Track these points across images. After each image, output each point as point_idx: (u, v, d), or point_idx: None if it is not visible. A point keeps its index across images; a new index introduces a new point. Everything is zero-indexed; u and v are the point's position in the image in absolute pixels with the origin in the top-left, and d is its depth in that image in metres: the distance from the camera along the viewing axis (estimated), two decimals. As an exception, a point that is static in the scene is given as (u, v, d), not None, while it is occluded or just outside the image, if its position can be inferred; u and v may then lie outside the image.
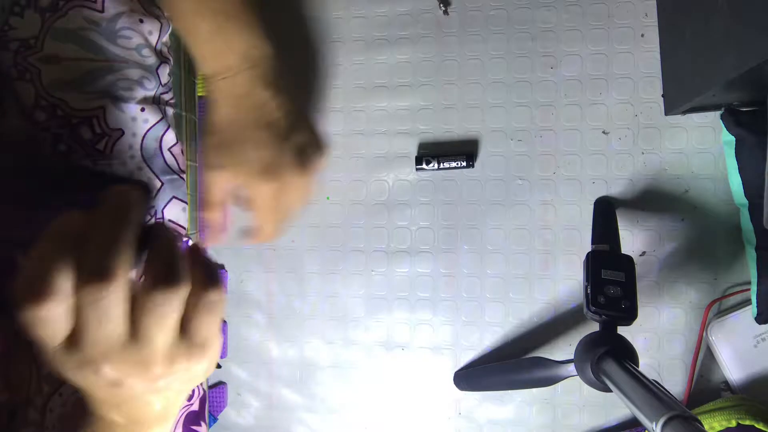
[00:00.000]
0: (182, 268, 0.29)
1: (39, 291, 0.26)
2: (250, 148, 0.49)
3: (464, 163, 0.72)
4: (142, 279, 0.29)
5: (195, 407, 0.53)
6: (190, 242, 0.54)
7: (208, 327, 0.30)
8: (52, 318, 0.27)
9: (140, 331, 0.28)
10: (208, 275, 0.31)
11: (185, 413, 0.52)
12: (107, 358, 0.28)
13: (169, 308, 0.29)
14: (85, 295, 0.27)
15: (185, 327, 0.30)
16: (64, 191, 0.32)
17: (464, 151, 0.73)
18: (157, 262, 0.29)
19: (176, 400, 0.35)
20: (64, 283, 0.27)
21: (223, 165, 0.49)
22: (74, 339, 0.28)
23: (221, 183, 0.51)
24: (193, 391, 0.55)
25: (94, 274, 0.27)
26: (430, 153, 0.75)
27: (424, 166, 0.73)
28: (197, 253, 0.32)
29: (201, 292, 0.30)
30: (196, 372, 0.32)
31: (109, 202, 0.30)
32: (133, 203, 0.30)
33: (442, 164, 0.73)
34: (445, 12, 0.76)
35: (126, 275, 0.28)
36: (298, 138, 0.50)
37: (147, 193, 0.31)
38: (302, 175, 0.50)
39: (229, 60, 0.46)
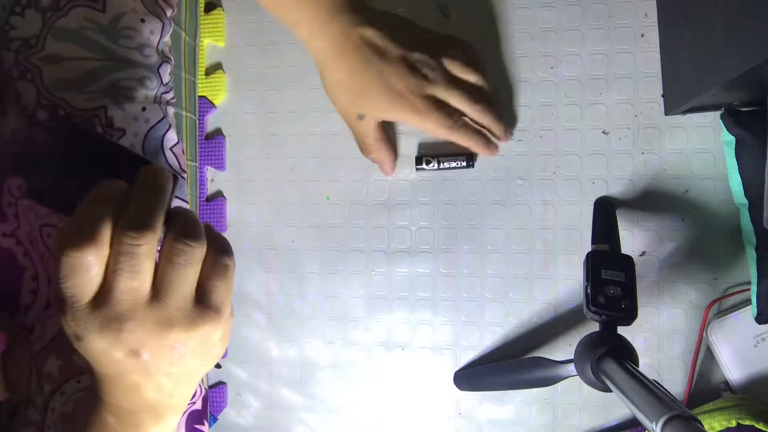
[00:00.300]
0: (201, 230, 0.32)
1: (81, 236, 0.29)
2: (375, 87, 0.59)
3: (464, 163, 0.73)
4: (165, 236, 0.32)
5: (198, 406, 0.54)
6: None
7: (222, 291, 0.33)
8: (87, 266, 0.29)
9: (163, 286, 0.31)
10: (221, 243, 0.34)
11: (189, 412, 0.52)
12: (132, 315, 0.30)
13: (190, 260, 0.31)
14: (121, 244, 0.30)
15: (201, 290, 0.33)
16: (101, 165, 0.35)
17: (464, 151, 0.73)
18: (180, 220, 0.32)
19: (187, 385, 0.36)
20: (104, 233, 0.30)
21: (364, 112, 0.61)
22: (102, 294, 0.30)
23: (369, 128, 0.64)
24: (196, 390, 0.55)
25: (130, 226, 0.30)
26: (430, 153, 0.75)
27: (424, 166, 0.73)
28: (209, 229, 0.35)
29: (215, 257, 0.33)
30: (212, 339, 0.33)
31: (147, 176, 0.33)
32: (166, 180, 0.33)
33: (442, 164, 0.73)
34: (446, 15, 0.76)
35: (158, 234, 0.31)
36: (398, 50, 0.60)
37: (175, 177, 0.35)
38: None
39: (309, 20, 0.56)
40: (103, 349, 0.31)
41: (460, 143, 0.67)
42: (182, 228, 0.32)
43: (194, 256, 0.31)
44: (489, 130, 0.68)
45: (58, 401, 0.43)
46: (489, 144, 0.69)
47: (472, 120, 0.66)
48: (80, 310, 0.30)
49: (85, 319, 0.30)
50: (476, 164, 0.75)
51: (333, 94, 0.63)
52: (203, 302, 0.33)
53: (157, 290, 0.31)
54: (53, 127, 0.43)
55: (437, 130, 0.63)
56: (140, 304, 0.30)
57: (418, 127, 0.66)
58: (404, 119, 0.62)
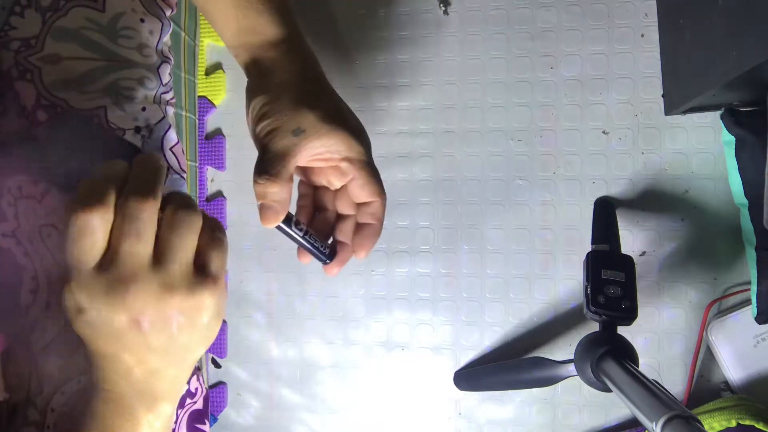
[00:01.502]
0: (197, 204, 0.34)
1: (87, 200, 0.31)
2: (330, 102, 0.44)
3: (324, 251, 0.47)
4: (165, 210, 0.33)
5: (199, 405, 0.53)
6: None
7: (219, 260, 0.34)
8: (93, 228, 0.31)
9: (165, 251, 0.32)
10: (214, 222, 0.35)
11: (190, 411, 0.52)
12: (136, 278, 0.31)
13: (191, 227, 0.33)
14: (126, 208, 0.31)
15: (199, 260, 0.34)
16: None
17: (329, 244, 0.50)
18: (177, 196, 0.34)
19: (179, 367, 0.36)
20: (109, 198, 0.31)
21: (304, 128, 0.42)
22: (108, 258, 0.31)
23: (300, 149, 0.42)
24: (197, 389, 0.55)
25: (134, 192, 0.32)
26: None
27: (287, 227, 0.46)
28: (202, 211, 0.36)
29: (211, 231, 0.35)
30: (210, 309, 0.34)
31: (144, 158, 0.35)
32: (160, 159, 0.35)
33: (305, 235, 0.47)
34: (445, 12, 0.76)
35: (158, 203, 0.32)
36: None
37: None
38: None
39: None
40: (104, 317, 0.32)
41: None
42: (180, 201, 0.34)
43: (194, 224, 0.33)
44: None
45: (58, 401, 0.42)
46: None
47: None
48: (86, 273, 0.31)
49: (91, 283, 0.31)
50: (476, 164, 0.75)
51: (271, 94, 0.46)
52: (202, 270, 0.34)
53: (160, 255, 0.32)
54: (57, 121, 0.43)
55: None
56: (144, 268, 0.32)
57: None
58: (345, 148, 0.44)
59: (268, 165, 0.43)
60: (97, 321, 0.32)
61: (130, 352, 0.33)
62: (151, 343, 0.33)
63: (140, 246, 0.31)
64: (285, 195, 0.43)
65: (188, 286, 0.33)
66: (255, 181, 0.43)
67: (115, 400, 0.35)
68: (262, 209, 0.44)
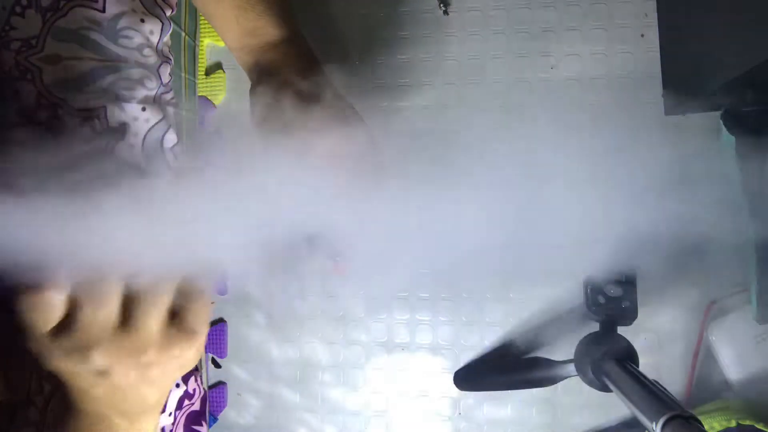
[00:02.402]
0: None
1: (40, 280, 0.27)
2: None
3: None
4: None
5: (196, 407, 0.53)
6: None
7: (198, 314, 0.32)
8: (47, 302, 0.28)
9: (133, 317, 0.29)
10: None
11: (187, 413, 0.52)
12: (98, 344, 0.29)
13: (162, 295, 0.30)
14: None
15: (176, 314, 0.31)
16: None
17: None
18: None
19: (167, 389, 0.35)
20: (64, 271, 0.28)
21: None
22: (65, 324, 0.28)
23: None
24: (194, 390, 0.55)
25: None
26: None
27: None
28: None
29: (191, 280, 0.31)
30: (187, 358, 0.32)
31: None
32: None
33: None
34: (445, 12, 0.76)
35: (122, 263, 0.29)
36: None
37: None
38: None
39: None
40: (68, 370, 0.30)
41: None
42: None
43: (166, 290, 0.30)
44: None
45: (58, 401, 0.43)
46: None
47: None
48: (41, 337, 0.29)
49: (47, 346, 0.29)
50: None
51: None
52: (179, 325, 0.31)
53: (127, 317, 0.29)
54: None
55: None
56: (107, 333, 0.29)
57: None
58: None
59: None
60: (60, 371, 0.30)
61: (101, 388, 0.31)
62: (123, 386, 0.31)
63: (101, 315, 0.28)
64: None
65: (161, 345, 0.31)
66: None
67: (90, 419, 0.33)
68: None
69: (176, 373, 0.33)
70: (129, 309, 0.29)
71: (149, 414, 0.35)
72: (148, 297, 0.29)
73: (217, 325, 0.81)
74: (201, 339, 0.32)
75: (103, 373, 0.30)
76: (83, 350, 0.29)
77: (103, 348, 0.29)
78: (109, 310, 0.29)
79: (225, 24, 0.46)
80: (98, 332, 0.29)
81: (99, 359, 0.29)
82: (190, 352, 0.32)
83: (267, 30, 0.45)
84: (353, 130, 0.44)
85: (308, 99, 0.43)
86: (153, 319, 0.30)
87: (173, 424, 0.52)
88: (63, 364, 0.29)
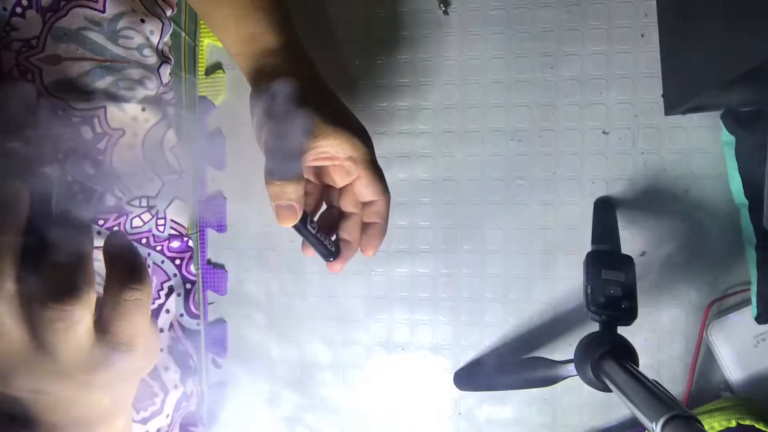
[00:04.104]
0: (81, 274, 0.27)
1: None
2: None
3: (330, 250, 0.51)
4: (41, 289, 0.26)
5: (193, 407, 0.53)
6: (190, 242, 0.54)
7: (130, 325, 0.28)
8: None
9: (45, 344, 0.26)
10: (129, 271, 0.29)
11: (183, 414, 0.52)
12: (15, 371, 0.27)
13: (67, 322, 0.26)
14: None
15: (105, 328, 0.28)
16: None
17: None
18: (51, 273, 0.26)
19: (123, 393, 0.33)
20: None
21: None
22: None
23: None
24: (192, 391, 0.55)
25: None
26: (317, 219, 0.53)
27: (302, 225, 0.47)
28: (118, 248, 0.29)
29: (119, 290, 0.28)
30: (133, 368, 0.30)
31: None
32: (14, 203, 0.27)
33: (318, 234, 0.49)
34: (445, 12, 0.76)
35: (10, 285, 0.25)
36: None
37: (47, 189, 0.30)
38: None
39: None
40: (5, 392, 0.27)
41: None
42: (49, 286, 0.26)
43: (73, 317, 0.26)
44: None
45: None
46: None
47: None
48: None
49: None
50: (476, 164, 0.75)
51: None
52: (110, 339, 0.28)
53: (41, 344, 0.26)
54: None
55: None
56: (21, 359, 0.26)
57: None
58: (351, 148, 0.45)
59: (281, 165, 0.42)
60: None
61: (54, 403, 0.29)
62: (74, 397, 0.29)
63: (4, 345, 0.26)
64: (300, 193, 0.43)
65: (91, 366, 0.28)
66: (269, 183, 0.42)
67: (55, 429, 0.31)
68: (280, 209, 0.43)
69: (130, 379, 0.31)
70: (38, 335, 0.26)
71: (111, 417, 0.32)
72: (51, 325, 0.25)
73: (217, 325, 0.81)
74: (140, 348, 0.29)
75: (39, 392, 0.28)
76: (2, 379, 0.27)
77: (25, 375, 0.27)
78: (11, 337, 0.26)
79: (224, 30, 0.46)
80: (10, 361, 0.26)
81: (24, 385, 0.27)
82: (133, 364, 0.29)
83: (266, 36, 0.45)
84: (353, 133, 0.44)
85: (309, 101, 0.43)
86: (66, 344, 0.26)
87: (170, 425, 0.52)
88: None
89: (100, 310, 0.28)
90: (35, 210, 0.28)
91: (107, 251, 0.29)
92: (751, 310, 0.67)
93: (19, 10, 0.44)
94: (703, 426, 0.41)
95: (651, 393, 0.45)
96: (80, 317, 0.26)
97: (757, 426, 0.62)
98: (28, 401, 0.29)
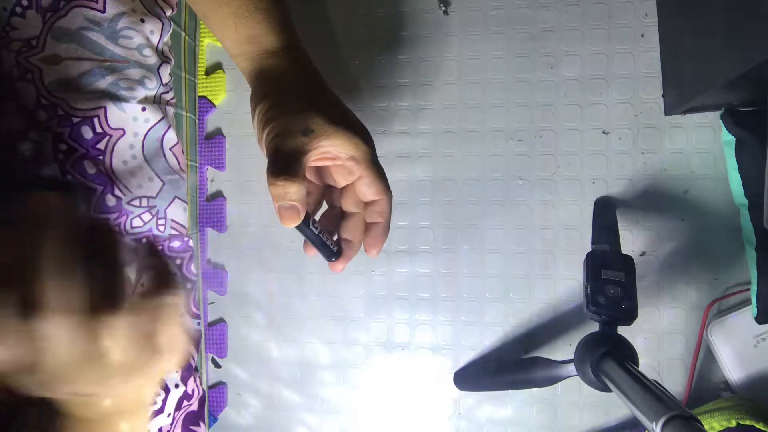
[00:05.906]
0: (120, 291, 0.28)
1: None
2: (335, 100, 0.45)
3: (332, 249, 0.49)
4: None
5: (194, 407, 0.53)
6: (191, 242, 0.54)
7: (169, 332, 0.29)
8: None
9: (100, 351, 0.27)
10: (162, 279, 0.30)
11: (185, 413, 0.52)
12: (66, 379, 0.28)
13: (116, 331, 0.27)
14: (28, 328, 0.25)
15: (147, 332, 0.29)
16: None
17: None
18: (97, 284, 0.27)
19: (150, 390, 0.35)
20: (7, 320, 0.25)
21: (313, 127, 0.42)
22: (30, 365, 0.27)
23: (310, 147, 0.42)
24: (193, 391, 0.55)
25: (32, 306, 0.26)
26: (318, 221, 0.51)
27: (306, 225, 0.46)
28: (152, 255, 0.31)
29: (156, 298, 0.29)
30: (162, 369, 0.31)
31: (28, 219, 0.28)
32: (51, 214, 0.28)
33: (319, 233, 0.48)
34: (445, 12, 0.76)
35: (63, 301, 0.26)
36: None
37: (71, 193, 0.30)
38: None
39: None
40: (50, 398, 0.29)
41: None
42: (97, 299, 0.27)
43: (120, 329, 0.27)
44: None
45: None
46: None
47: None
48: (9, 376, 0.27)
49: (21, 382, 0.27)
50: (476, 164, 0.75)
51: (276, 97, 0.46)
52: (149, 347, 0.29)
53: (95, 352, 0.27)
54: None
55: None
56: (72, 367, 0.27)
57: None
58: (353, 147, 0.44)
59: (283, 165, 0.41)
60: (46, 397, 0.30)
61: (90, 402, 0.32)
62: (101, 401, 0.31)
63: (57, 356, 0.26)
64: (303, 194, 0.42)
65: (131, 372, 0.29)
66: (272, 183, 0.41)
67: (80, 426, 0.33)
68: (283, 210, 0.42)
69: (157, 378, 0.33)
70: (95, 340, 0.27)
71: (137, 412, 0.35)
72: (102, 333, 0.27)
73: (217, 325, 0.81)
74: (176, 353, 0.31)
75: (85, 395, 0.30)
76: (53, 385, 0.28)
77: (73, 383, 0.28)
78: (65, 348, 0.26)
79: (224, 31, 0.46)
80: (63, 370, 0.27)
81: (73, 389, 0.28)
82: (171, 368, 0.31)
83: (266, 37, 0.45)
84: (354, 133, 0.44)
85: (310, 102, 0.43)
86: (126, 348, 0.28)
87: (171, 424, 0.52)
88: (41, 394, 0.28)
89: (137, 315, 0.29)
90: (78, 218, 0.29)
91: (142, 259, 0.30)
92: (751, 310, 0.67)
93: (19, 9, 0.44)
94: (703, 426, 0.41)
95: (651, 393, 0.45)
96: (124, 328, 0.28)
97: (757, 426, 0.62)
98: (65, 400, 0.31)
